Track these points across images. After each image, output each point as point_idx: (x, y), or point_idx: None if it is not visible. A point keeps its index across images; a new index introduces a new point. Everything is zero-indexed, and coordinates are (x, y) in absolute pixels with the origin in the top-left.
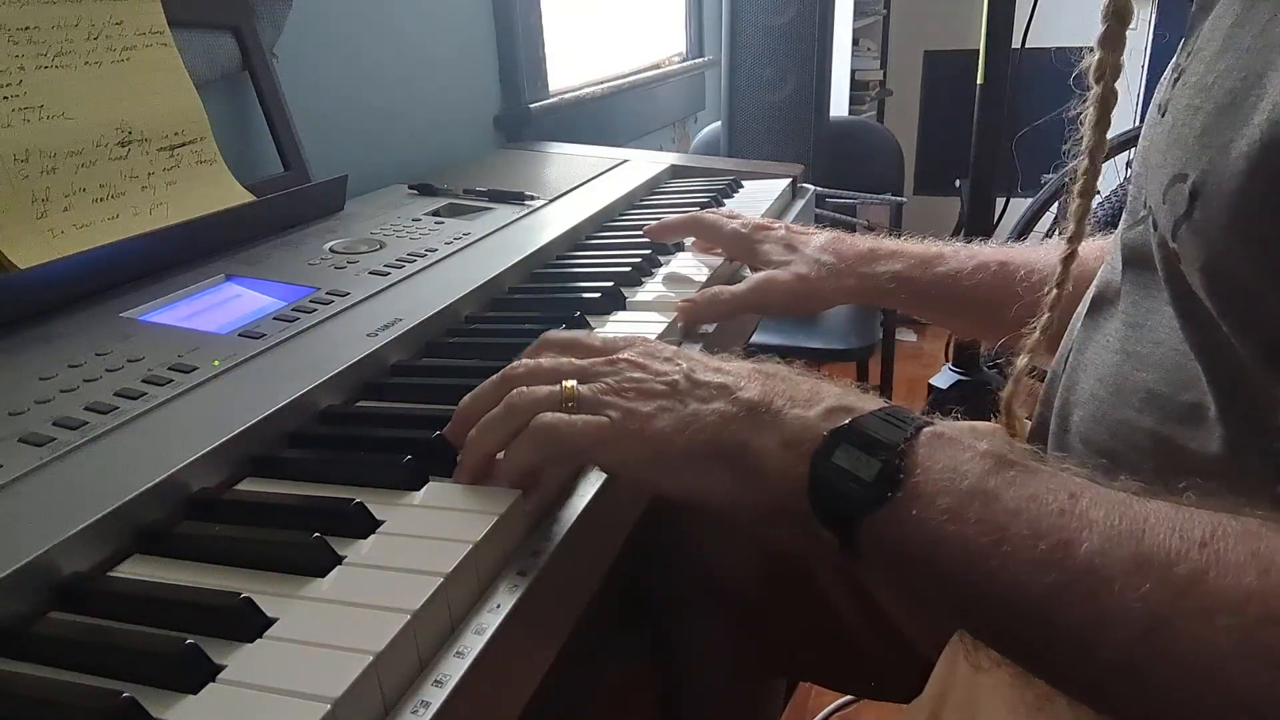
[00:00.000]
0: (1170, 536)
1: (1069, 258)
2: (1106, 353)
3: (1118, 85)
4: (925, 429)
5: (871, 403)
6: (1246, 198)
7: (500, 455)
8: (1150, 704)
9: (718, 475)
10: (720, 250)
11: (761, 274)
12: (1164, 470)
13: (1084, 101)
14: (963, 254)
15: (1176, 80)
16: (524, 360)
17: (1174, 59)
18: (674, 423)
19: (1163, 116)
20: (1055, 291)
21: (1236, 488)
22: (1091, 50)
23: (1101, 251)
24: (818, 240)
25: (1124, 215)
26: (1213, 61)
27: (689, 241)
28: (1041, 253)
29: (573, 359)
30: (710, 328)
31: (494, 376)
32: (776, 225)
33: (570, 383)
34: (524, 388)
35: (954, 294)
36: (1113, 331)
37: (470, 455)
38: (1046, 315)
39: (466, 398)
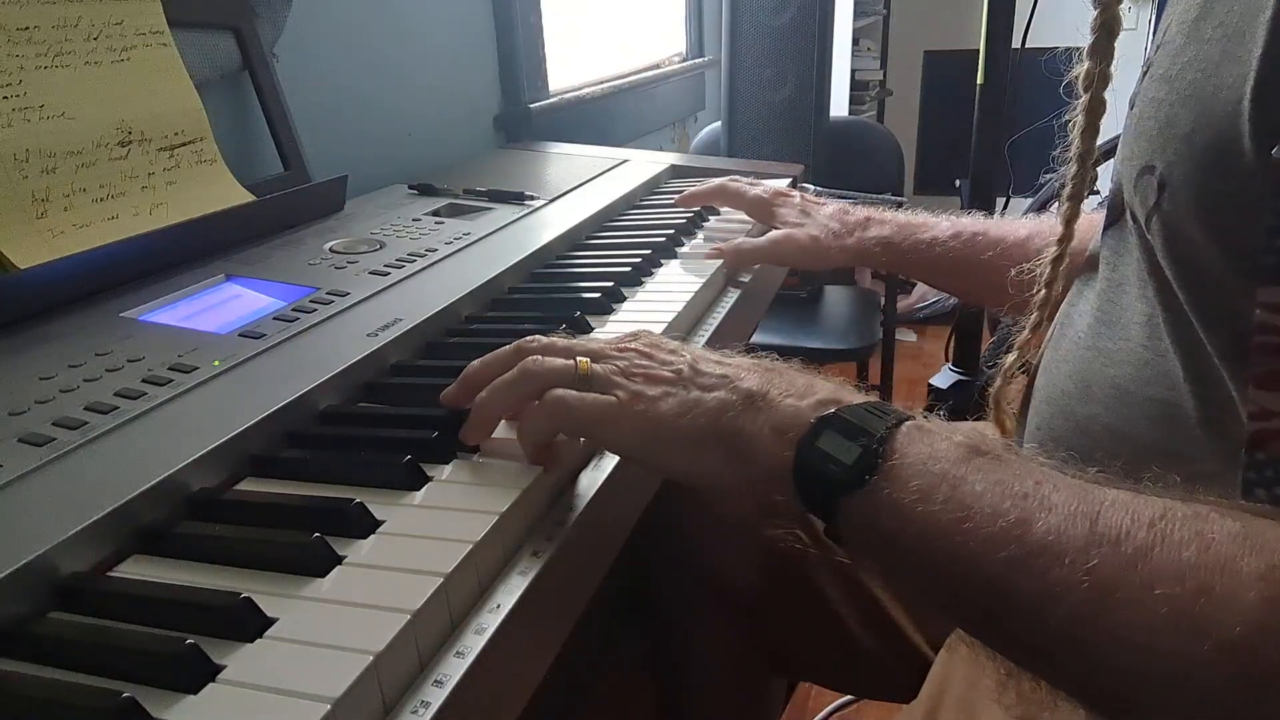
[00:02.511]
0: (1123, 518)
1: (1058, 259)
2: (1078, 348)
3: (1111, 92)
4: (907, 421)
5: (861, 398)
6: (1210, 189)
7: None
8: (1094, 672)
9: (713, 457)
10: (744, 212)
11: (781, 232)
12: (1129, 466)
13: (1074, 110)
14: (944, 223)
15: (1145, 74)
16: (537, 336)
17: (1147, 54)
18: (677, 406)
19: (1131, 109)
20: (1044, 292)
21: (1197, 481)
22: (1080, 60)
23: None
24: (827, 209)
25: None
26: (1177, 54)
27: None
28: (1021, 227)
29: (584, 342)
30: (746, 277)
31: (507, 346)
32: (793, 194)
33: (585, 360)
34: (540, 356)
35: (928, 258)
36: (1085, 327)
37: (481, 415)
38: (1035, 315)
39: (475, 362)
